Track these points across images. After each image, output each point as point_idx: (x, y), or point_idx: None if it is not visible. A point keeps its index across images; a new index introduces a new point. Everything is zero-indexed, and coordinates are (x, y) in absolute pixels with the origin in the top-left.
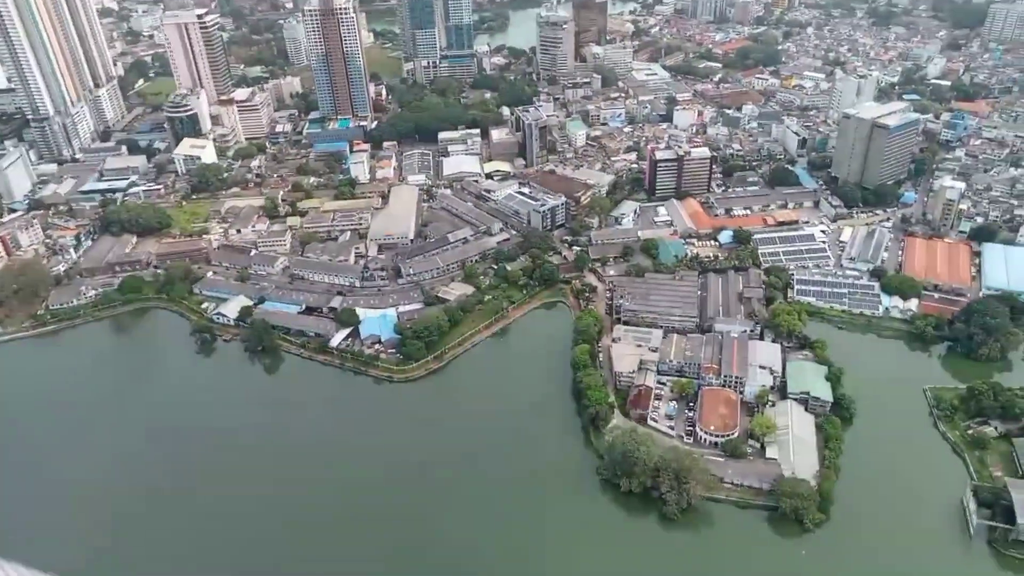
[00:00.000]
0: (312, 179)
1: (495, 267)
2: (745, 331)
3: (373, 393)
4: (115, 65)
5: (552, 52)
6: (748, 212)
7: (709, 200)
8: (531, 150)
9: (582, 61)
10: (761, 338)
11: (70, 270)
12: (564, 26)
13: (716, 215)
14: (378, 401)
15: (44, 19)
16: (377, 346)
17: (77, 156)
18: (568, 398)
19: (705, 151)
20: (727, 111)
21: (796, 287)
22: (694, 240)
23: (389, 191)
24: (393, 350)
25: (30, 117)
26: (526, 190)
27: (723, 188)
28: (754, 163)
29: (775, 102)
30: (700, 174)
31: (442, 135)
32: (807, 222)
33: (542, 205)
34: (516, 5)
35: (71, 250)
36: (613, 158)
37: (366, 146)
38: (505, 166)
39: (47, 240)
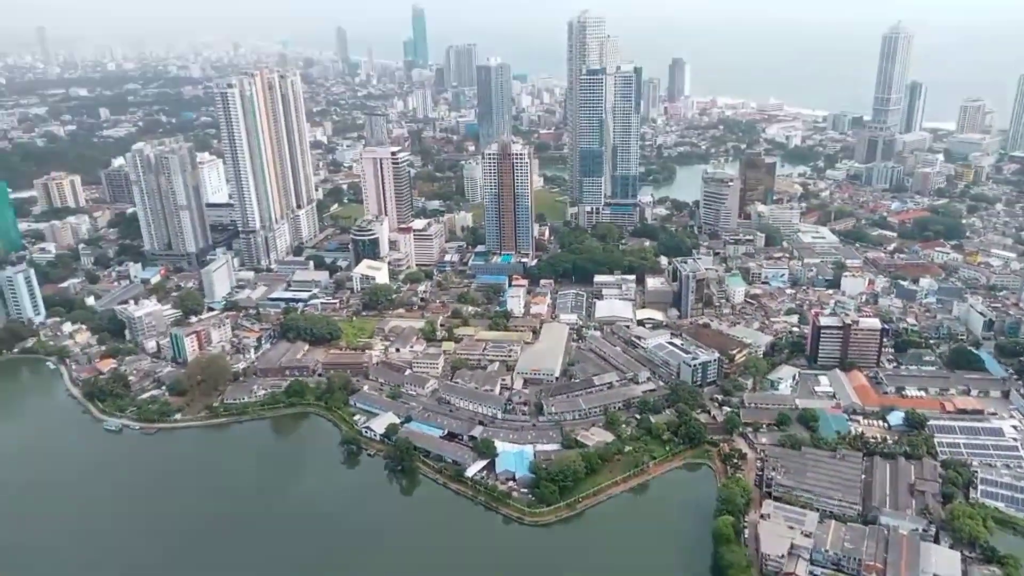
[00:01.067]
0: (471, 308)
1: (639, 417)
2: (917, 530)
3: (501, 534)
4: (316, 190)
5: (715, 207)
6: (923, 394)
7: (878, 375)
8: (686, 301)
9: (746, 218)
10: (936, 541)
11: (247, 368)
12: (730, 183)
13: (885, 392)
14: (505, 544)
15: (267, 150)
16: (511, 483)
17: (272, 266)
18: (706, 573)
19: (875, 322)
20: (901, 282)
21: (981, 487)
22: (859, 417)
23: (541, 327)
24: (526, 489)
25: (240, 230)
26: (678, 341)
27: (894, 364)
28: (931, 341)
29: (957, 278)
30: (869, 346)
31: (598, 278)
32: (994, 414)
33: (693, 359)
34: (682, 160)
35: (252, 350)
36: (772, 319)
37: (524, 281)
38: (658, 315)
39: (234, 339)
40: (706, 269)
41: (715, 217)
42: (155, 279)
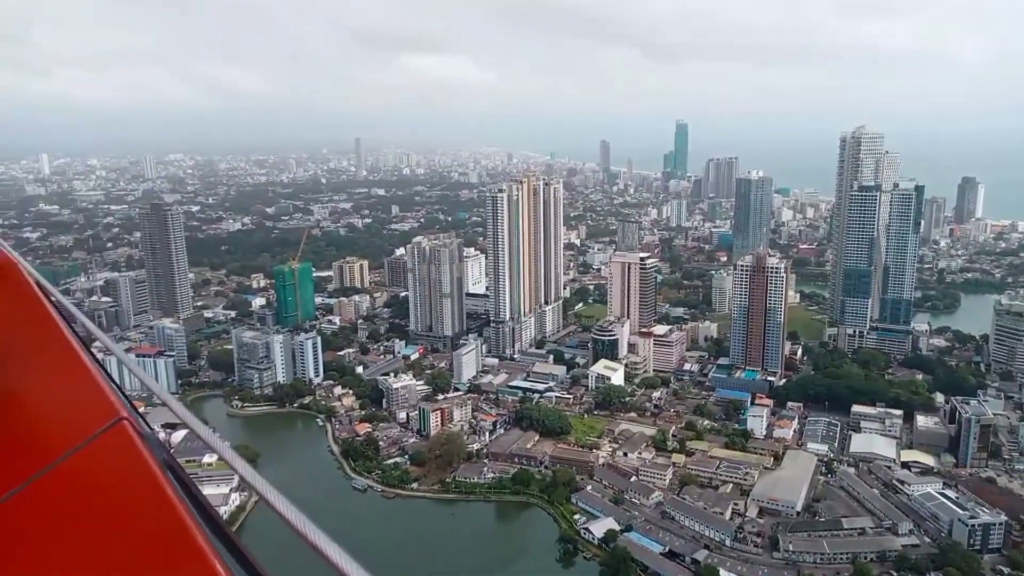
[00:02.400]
0: (706, 422)
1: (894, 574)
2: None
3: None
4: (564, 288)
5: (1010, 344)
6: None
7: None
8: (966, 448)
9: None
10: None
11: (480, 450)
12: None
13: None
14: None
15: (525, 249)
16: None
17: (515, 356)
18: None
19: None
20: None
21: None
22: None
23: (784, 453)
24: None
25: (492, 320)
26: (952, 494)
27: None
28: None
29: None
30: None
31: (856, 408)
32: None
33: (972, 517)
34: (969, 288)
35: (487, 433)
36: None
37: (768, 401)
38: (928, 459)
39: (472, 420)
40: (995, 414)
41: (1009, 355)
42: (414, 356)
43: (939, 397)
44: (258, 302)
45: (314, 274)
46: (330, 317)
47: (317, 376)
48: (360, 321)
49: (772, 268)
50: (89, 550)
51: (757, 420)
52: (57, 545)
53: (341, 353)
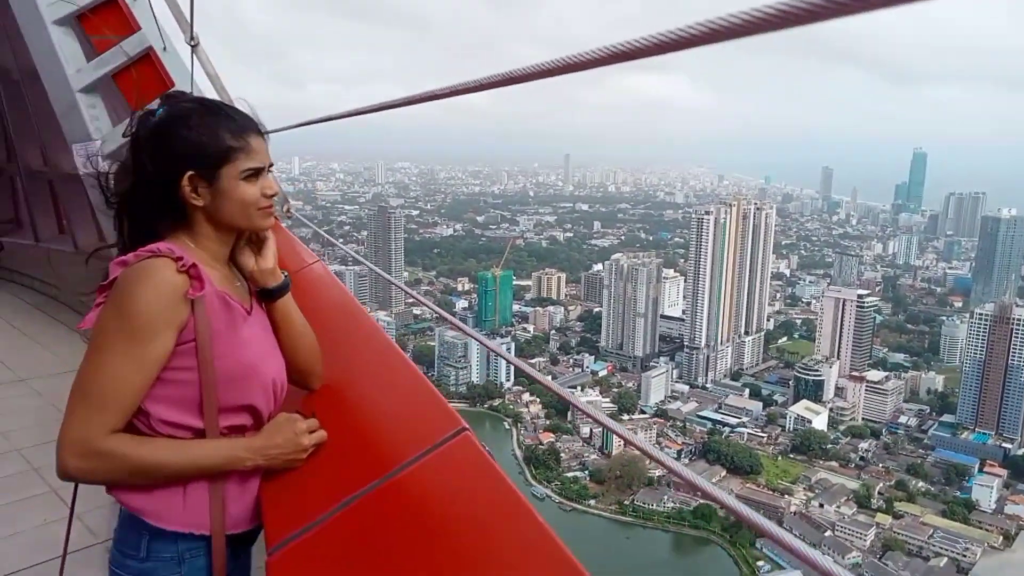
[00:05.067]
0: (921, 483)
1: None
2: None
3: None
4: (768, 320)
5: None
6: None
7: None
8: None
9: None
10: None
11: (662, 477)
12: None
13: None
14: None
15: (728, 275)
16: None
17: (707, 385)
18: None
19: None
20: None
21: None
22: None
23: (1017, 534)
24: None
25: (686, 344)
26: None
27: None
28: None
29: None
30: None
31: None
32: None
33: None
34: None
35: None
36: None
37: (1002, 471)
38: None
39: (656, 445)
40: None
41: None
42: (602, 373)
43: None
44: (461, 304)
45: (514, 282)
46: (525, 325)
47: (508, 381)
48: (553, 332)
49: (1019, 320)
50: (449, 545)
51: (985, 491)
52: (416, 539)
53: (532, 361)
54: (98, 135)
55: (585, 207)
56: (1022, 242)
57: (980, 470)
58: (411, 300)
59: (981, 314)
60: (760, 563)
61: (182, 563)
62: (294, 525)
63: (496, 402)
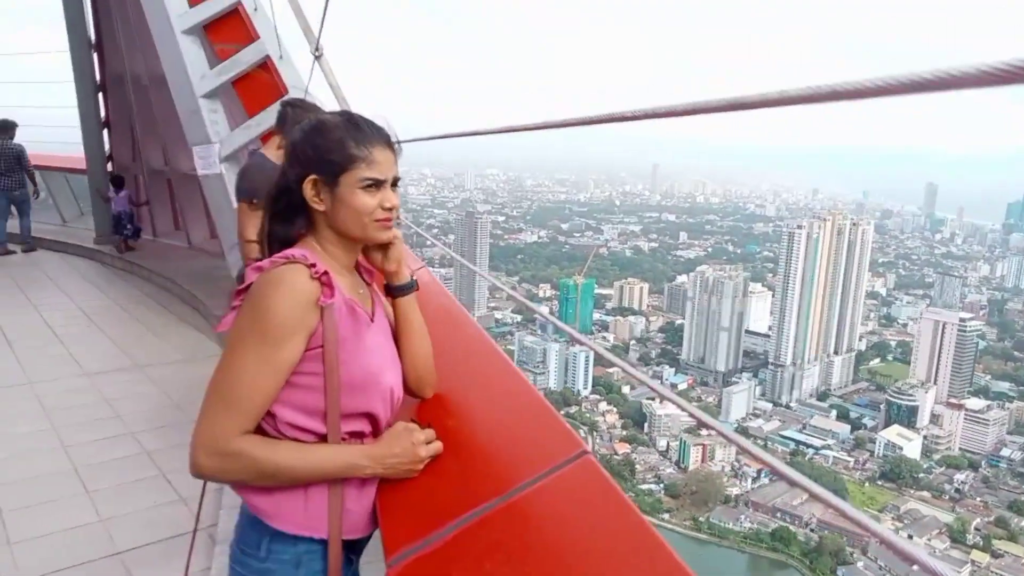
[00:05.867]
0: (1023, 522)
1: None
2: None
3: None
4: (860, 340)
5: None
6: None
7: None
8: None
9: None
10: None
11: (740, 496)
12: None
13: None
14: None
15: (818, 292)
16: None
17: (791, 404)
18: None
19: None
20: None
21: None
22: None
23: None
24: None
25: (770, 361)
26: None
27: None
28: None
29: None
30: None
31: None
32: None
33: None
34: None
35: (748, 480)
36: None
37: None
38: None
39: (734, 463)
40: None
41: None
42: (682, 386)
43: None
44: (542, 310)
45: (596, 291)
46: (605, 334)
47: (585, 388)
48: (633, 342)
49: None
50: (572, 562)
51: None
52: (538, 565)
53: (610, 370)
54: (216, 138)
55: (672, 217)
56: None
57: None
58: (494, 304)
59: None
60: None
61: (299, 565)
62: (413, 538)
63: (573, 409)
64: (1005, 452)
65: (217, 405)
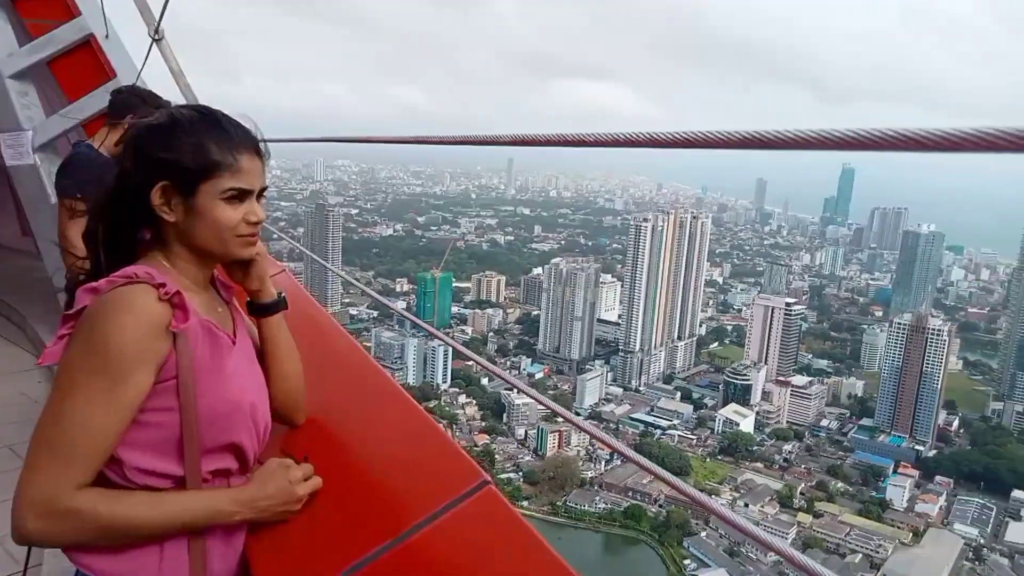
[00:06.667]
0: (840, 484)
1: None
2: None
3: None
4: (700, 326)
5: None
6: None
7: None
8: None
9: None
10: None
11: (594, 479)
12: None
13: None
14: None
15: (663, 281)
16: None
17: (640, 388)
18: None
19: None
20: None
21: None
22: None
23: (925, 530)
24: None
25: (621, 348)
26: None
27: None
28: None
29: None
30: None
31: (1017, 494)
32: None
33: None
34: None
35: (602, 463)
36: None
37: (914, 472)
38: None
39: (589, 447)
40: None
41: None
42: (539, 375)
43: None
44: (399, 305)
45: (454, 284)
46: (463, 327)
47: (444, 382)
48: (491, 334)
49: (934, 330)
50: None
51: (898, 490)
52: None
53: (469, 363)
54: (29, 125)
55: (526, 211)
56: (939, 256)
57: (894, 471)
58: (348, 299)
59: (899, 323)
60: (687, 562)
61: None
62: None
63: (432, 404)
64: (825, 423)
65: (47, 455)
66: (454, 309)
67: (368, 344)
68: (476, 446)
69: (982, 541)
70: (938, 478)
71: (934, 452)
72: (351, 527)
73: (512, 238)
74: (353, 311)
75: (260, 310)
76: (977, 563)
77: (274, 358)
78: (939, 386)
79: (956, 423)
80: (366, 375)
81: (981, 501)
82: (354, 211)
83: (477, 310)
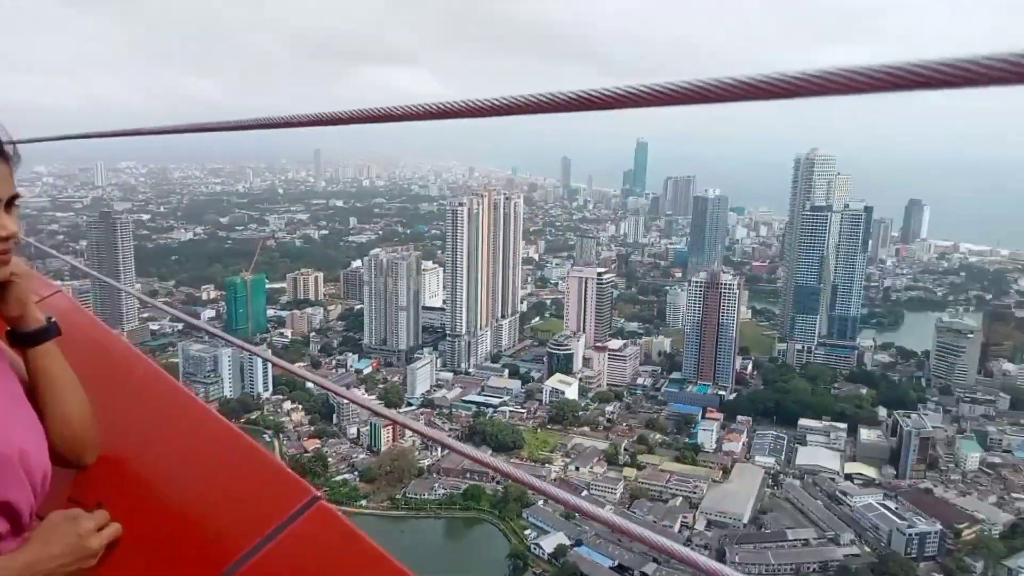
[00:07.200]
0: (659, 435)
1: None
2: None
3: None
4: (522, 303)
5: (950, 360)
6: None
7: None
8: (906, 460)
9: (987, 376)
10: None
11: (431, 466)
12: (969, 335)
13: None
14: None
15: (483, 263)
16: None
17: (469, 370)
18: None
19: None
20: None
21: None
22: None
23: (732, 466)
24: None
25: (448, 333)
26: (892, 504)
27: None
28: None
29: None
30: None
31: (803, 422)
32: None
33: (909, 527)
34: (913, 306)
35: (438, 449)
36: (1015, 494)
37: (719, 415)
38: (870, 471)
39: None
40: (933, 427)
41: (949, 371)
42: (367, 370)
43: (882, 411)
44: (207, 314)
45: (268, 286)
46: (282, 330)
47: (266, 391)
48: (313, 334)
49: (725, 285)
50: None
51: (707, 434)
52: None
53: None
54: None
55: (339, 203)
56: (725, 218)
57: (703, 416)
58: (147, 313)
59: (696, 282)
60: (528, 532)
61: None
62: None
63: (254, 415)
64: (640, 381)
65: None
66: (270, 312)
67: (175, 360)
68: (307, 452)
69: (779, 468)
70: (739, 418)
71: (734, 395)
72: (163, 573)
73: (327, 232)
74: (154, 326)
75: (23, 340)
76: (776, 488)
77: (48, 393)
78: (734, 335)
79: (750, 367)
80: (168, 399)
81: (775, 433)
82: (145, 216)
83: (296, 311)
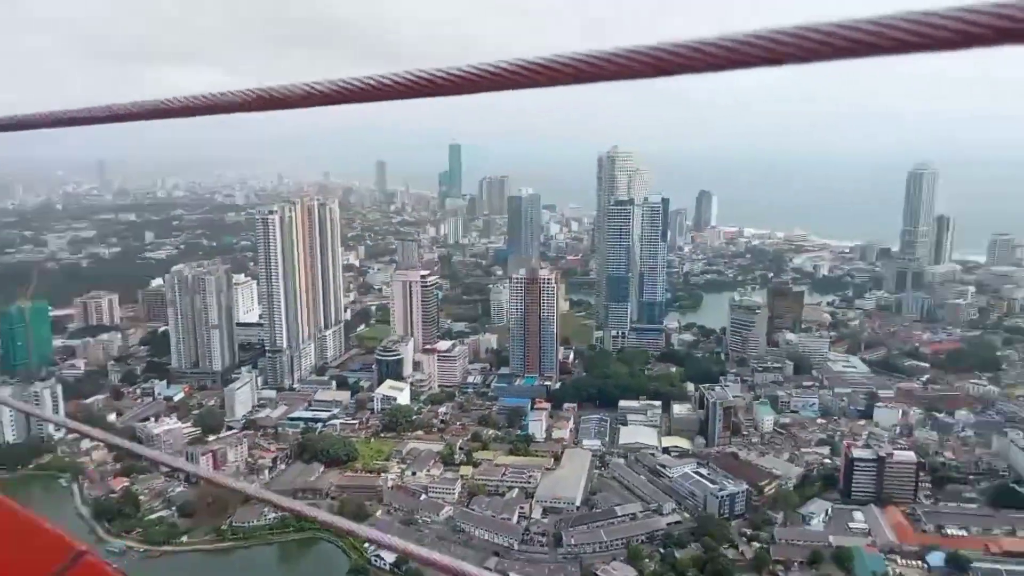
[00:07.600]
0: (491, 431)
1: (662, 551)
2: None
3: None
4: (345, 311)
5: (743, 334)
6: (965, 533)
7: (915, 512)
8: (714, 429)
9: (774, 346)
10: None
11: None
12: (757, 311)
13: (924, 531)
14: None
15: (301, 273)
16: None
17: (295, 386)
18: None
19: (911, 455)
20: (936, 414)
21: None
22: (896, 556)
23: (563, 452)
24: None
25: (267, 349)
26: (704, 471)
27: (932, 500)
28: (970, 476)
29: (995, 411)
30: (905, 480)
31: (622, 403)
32: None
33: (720, 490)
34: (709, 288)
35: (266, 471)
36: (803, 449)
37: (547, 405)
38: (684, 442)
39: (249, 459)
40: (734, 397)
41: (743, 344)
42: (178, 396)
43: (690, 386)
44: None
45: (52, 313)
46: (73, 361)
47: (59, 430)
48: (112, 363)
49: (544, 279)
50: None
51: (537, 424)
52: None
53: (88, 401)
54: None
55: (132, 217)
56: (539, 215)
57: (532, 408)
58: None
59: (516, 279)
60: (367, 544)
61: None
62: None
63: (46, 459)
64: (471, 379)
65: None
66: (57, 342)
67: None
68: (113, 493)
69: (604, 449)
70: (566, 405)
71: (560, 384)
72: None
73: (119, 249)
74: None
75: None
76: (603, 468)
77: None
78: (555, 327)
79: (572, 355)
80: None
81: (599, 416)
82: None
83: (89, 338)
